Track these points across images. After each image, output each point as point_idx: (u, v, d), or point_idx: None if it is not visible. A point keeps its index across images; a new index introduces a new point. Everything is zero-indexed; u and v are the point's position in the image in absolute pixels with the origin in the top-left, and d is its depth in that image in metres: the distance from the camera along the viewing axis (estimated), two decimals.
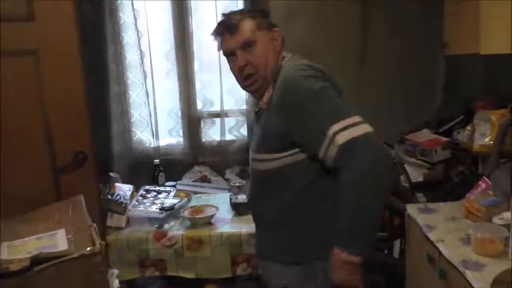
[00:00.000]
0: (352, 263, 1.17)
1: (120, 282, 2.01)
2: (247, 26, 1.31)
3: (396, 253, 2.36)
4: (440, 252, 1.57)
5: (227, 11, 1.43)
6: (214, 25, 2.54)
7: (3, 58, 1.57)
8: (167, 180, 2.65)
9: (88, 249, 1.29)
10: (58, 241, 1.37)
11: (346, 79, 2.68)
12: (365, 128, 1.16)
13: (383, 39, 2.75)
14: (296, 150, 1.24)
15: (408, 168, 2.35)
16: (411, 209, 1.95)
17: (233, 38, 1.32)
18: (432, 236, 1.67)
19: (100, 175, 2.37)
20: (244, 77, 1.36)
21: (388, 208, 2.37)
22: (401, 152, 2.48)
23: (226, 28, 1.34)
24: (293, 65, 1.30)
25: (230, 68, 1.39)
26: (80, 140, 1.73)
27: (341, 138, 1.13)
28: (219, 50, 1.41)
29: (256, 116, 1.42)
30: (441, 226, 1.74)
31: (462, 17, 2.09)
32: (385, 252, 2.44)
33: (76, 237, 1.39)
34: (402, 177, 2.41)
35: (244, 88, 1.43)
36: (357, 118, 1.18)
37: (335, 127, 1.15)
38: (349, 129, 1.14)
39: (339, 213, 1.17)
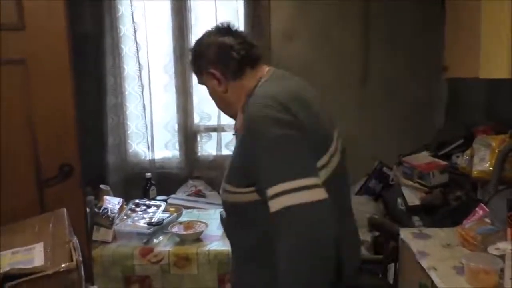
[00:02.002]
0: None
1: None
2: (193, 70, 1.33)
3: (390, 278, 2.30)
4: (432, 281, 1.51)
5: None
6: None
7: None
8: (161, 194, 2.62)
9: (63, 265, 1.25)
10: (35, 256, 1.33)
11: (346, 99, 2.72)
12: (303, 197, 0.98)
13: (384, 60, 2.74)
14: (253, 188, 1.10)
15: (405, 191, 2.31)
16: (405, 234, 1.89)
17: None
18: (424, 263, 1.61)
19: (92, 187, 2.37)
20: None
21: (383, 231, 2.32)
22: (399, 174, 2.44)
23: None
24: (259, 96, 1.13)
25: None
26: (67, 152, 1.69)
27: (273, 206, 0.99)
28: None
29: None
30: (435, 253, 1.67)
31: (461, 41, 2.06)
32: (380, 276, 2.38)
33: (54, 252, 1.35)
34: (399, 200, 2.37)
35: None
36: (302, 182, 0.99)
37: (272, 191, 0.99)
38: (284, 196, 0.98)
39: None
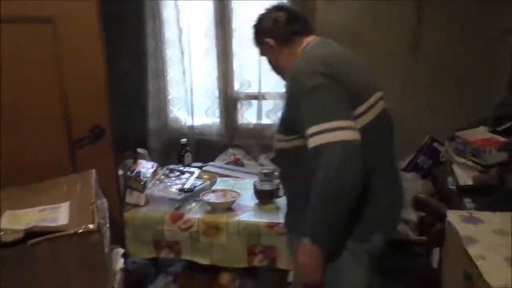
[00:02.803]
0: (310, 251, 1.25)
1: (134, 261, 2.01)
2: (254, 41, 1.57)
3: (435, 262, 2.15)
4: (479, 271, 1.36)
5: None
6: (255, 2, 2.51)
7: (19, 25, 1.55)
8: (200, 161, 2.60)
9: (83, 226, 1.24)
10: (60, 215, 1.33)
11: (396, 68, 2.51)
12: (339, 136, 1.15)
13: (438, 27, 2.47)
14: (298, 134, 1.30)
15: (456, 169, 2.10)
16: (453, 216, 1.72)
17: None
18: (472, 250, 1.45)
19: (133, 151, 2.38)
20: None
21: (430, 211, 2.16)
22: (451, 150, 2.23)
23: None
24: (302, 58, 1.35)
25: None
26: (97, 114, 1.68)
27: (311, 143, 1.18)
28: None
29: None
30: (485, 240, 1.50)
31: None
32: (424, 259, 2.23)
33: (79, 213, 1.35)
34: (450, 179, 2.17)
35: None
36: (338, 123, 1.17)
37: (311, 130, 1.19)
38: (321, 134, 1.16)
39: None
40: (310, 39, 1.43)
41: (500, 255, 1.40)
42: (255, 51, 2.56)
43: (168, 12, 2.64)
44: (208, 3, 2.63)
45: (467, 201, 2.01)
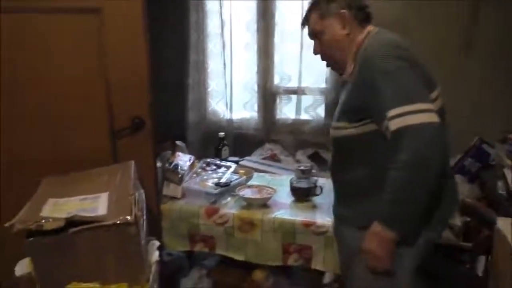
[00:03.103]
0: (382, 237, 1.22)
1: (169, 253, 2.03)
2: (312, 19, 1.42)
3: (480, 269, 2.03)
4: None
5: None
6: None
7: (66, 15, 1.57)
8: (237, 155, 2.59)
9: (120, 218, 1.25)
10: (100, 204, 1.35)
11: (444, 67, 2.37)
12: (422, 118, 1.15)
13: (493, 24, 2.33)
14: (369, 120, 1.28)
15: (508, 173, 1.98)
16: (503, 223, 1.62)
17: (308, 28, 1.47)
18: None
19: (172, 143, 2.40)
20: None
21: (477, 217, 2.04)
22: (502, 153, 2.10)
23: (303, 19, 1.49)
24: (375, 41, 1.31)
25: None
26: (139, 105, 1.69)
27: (393, 125, 1.16)
28: None
29: (342, 87, 1.47)
30: None
31: None
32: (468, 266, 2.12)
33: (117, 203, 1.36)
34: (500, 183, 2.05)
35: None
36: (420, 106, 1.16)
37: (393, 112, 1.16)
38: (404, 116, 1.15)
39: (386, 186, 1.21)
40: (370, 28, 1.38)
41: None
42: (297, 44, 2.59)
43: (211, 4, 2.63)
44: None
45: None
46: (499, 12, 2.32)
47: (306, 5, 2.44)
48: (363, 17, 1.39)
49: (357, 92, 1.29)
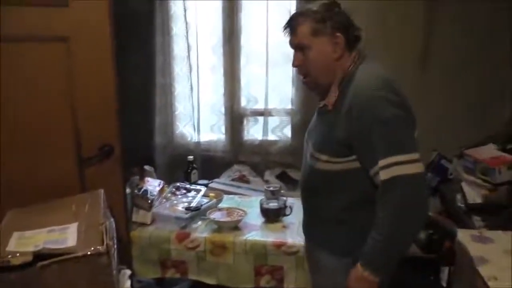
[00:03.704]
0: (369, 281, 1.24)
1: (139, 281, 1.99)
2: (303, 30, 1.32)
3: (444, 280, 2.11)
4: None
5: (304, 5, 1.43)
6: (264, 19, 2.54)
7: (34, 43, 1.55)
8: (205, 177, 2.58)
9: (92, 248, 1.23)
10: (69, 236, 1.32)
11: (405, 83, 2.45)
12: (412, 169, 1.18)
13: (449, 40, 2.47)
14: (354, 157, 1.28)
15: (465, 187, 2.09)
16: (463, 236, 1.71)
17: (292, 37, 1.37)
18: (484, 271, 1.43)
19: (139, 167, 2.37)
20: (299, 75, 1.44)
21: (438, 229, 2.13)
22: (460, 168, 2.21)
23: (287, 26, 1.38)
24: (369, 77, 1.28)
25: None
26: (108, 132, 1.68)
27: (384, 175, 1.18)
28: None
29: (319, 111, 1.44)
30: (496, 260, 1.49)
31: None
32: (432, 277, 2.20)
33: (87, 234, 1.33)
34: (458, 196, 2.16)
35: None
36: (409, 156, 1.19)
37: (384, 162, 1.18)
38: (396, 166, 1.17)
39: (371, 232, 1.23)
40: (355, 55, 1.34)
41: None
42: (263, 66, 2.65)
43: (177, 28, 2.66)
44: (217, 19, 2.65)
45: (476, 219, 1.99)
46: (455, 26, 2.44)
47: (272, 27, 2.57)
48: (354, 41, 1.35)
49: (346, 129, 1.26)
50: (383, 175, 1.18)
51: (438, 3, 2.44)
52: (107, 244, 1.27)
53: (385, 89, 1.22)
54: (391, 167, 1.17)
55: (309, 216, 1.50)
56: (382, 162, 1.18)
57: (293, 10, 2.54)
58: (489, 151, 2.12)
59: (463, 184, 2.12)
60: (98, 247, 1.25)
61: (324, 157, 1.32)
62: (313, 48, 1.31)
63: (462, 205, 2.10)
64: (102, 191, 1.58)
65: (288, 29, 1.37)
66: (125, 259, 1.76)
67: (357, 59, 1.34)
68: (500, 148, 2.13)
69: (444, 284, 2.05)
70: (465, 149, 2.21)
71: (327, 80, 1.35)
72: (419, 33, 2.50)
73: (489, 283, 1.36)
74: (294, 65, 1.39)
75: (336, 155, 1.29)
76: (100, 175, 1.69)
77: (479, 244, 1.63)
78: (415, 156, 1.19)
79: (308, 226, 1.52)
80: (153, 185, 2.01)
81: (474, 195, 2.04)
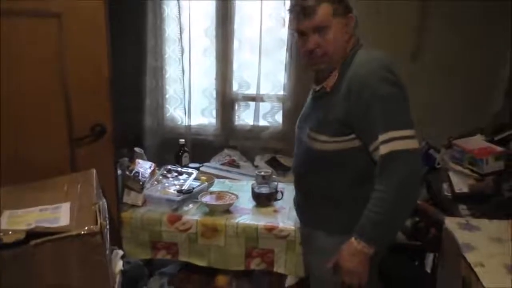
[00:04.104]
0: (364, 253, 1.27)
1: (128, 262, 1.99)
2: (323, 11, 1.33)
3: (428, 267, 2.17)
4: (478, 278, 1.38)
5: None
6: (258, 4, 2.51)
7: (25, 18, 1.51)
8: (195, 161, 2.58)
9: (86, 228, 1.22)
10: (61, 215, 1.31)
11: None
12: (409, 144, 1.24)
13: (441, 35, 2.49)
14: (353, 135, 1.32)
15: (452, 176, 2.12)
16: (450, 223, 1.74)
17: (307, 21, 1.34)
18: (470, 257, 1.47)
19: (129, 149, 2.35)
20: (310, 57, 1.40)
21: (425, 217, 2.17)
22: (447, 158, 2.25)
23: (302, 9, 1.35)
24: (369, 58, 1.33)
25: (299, 45, 1.45)
26: (99, 112, 1.65)
27: (384, 149, 1.23)
28: (290, 27, 1.49)
29: (315, 95, 1.46)
30: (483, 248, 1.53)
31: None
32: (416, 263, 2.25)
33: (80, 213, 1.32)
34: (445, 185, 2.19)
35: (307, 66, 1.49)
36: (407, 132, 1.25)
37: (384, 136, 1.23)
38: (394, 142, 1.23)
39: (368, 205, 1.28)
40: (354, 39, 1.39)
41: (498, 262, 1.42)
42: (256, 52, 2.63)
43: (170, 9, 2.61)
44: (211, 2, 2.62)
45: (462, 208, 2.03)
46: (447, 22, 2.46)
47: (266, 12, 2.54)
48: (356, 25, 1.39)
49: (345, 107, 1.30)
50: (383, 150, 1.23)
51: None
52: (100, 223, 1.26)
53: (383, 69, 1.28)
54: (391, 142, 1.22)
55: (306, 199, 1.52)
56: (382, 137, 1.23)
57: None
58: (477, 142, 2.15)
59: (450, 174, 2.15)
60: (91, 226, 1.24)
61: (323, 137, 1.35)
62: (332, 29, 1.33)
63: (449, 194, 2.13)
64: (94, 171, 1.57)
65: (302, 13, 1.34)
66: (115, 240, 1.75)
67: (356, 44, 1.39)
68: (488, 139, 2.17)
69: (429, 270, 2.10)
70: (454, 139, 2.24)
71: (339, 61, 1.37)
72: (411, 28, 2.52)
73: (476, 269, 1.39)
74: (310, 47, 1.36)
75: (336, 134, 1.33)
76: (92, 155, 1.67)
77: (466, 231, 1.66)
78: (412, 132, 1.25)
79: (304, 209, 1.54)
80: (144, 167, 2.00)
81: (461, 184, 2.08)
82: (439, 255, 1.89)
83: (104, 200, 1.55)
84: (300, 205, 1.56)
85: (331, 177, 1.39)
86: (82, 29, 1.58)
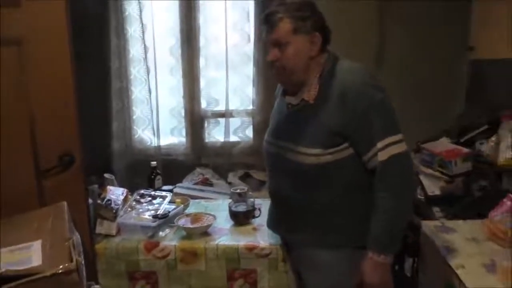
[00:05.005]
0: (385, 264, 1.31)
1: None
2: (283, 27, 1.34)
3: (408, 271, 2.19)
4: (461, 280, 1.40)
5: (282, 1, 1.41)
6: (223, 19, 2.50)
7: None
8: (167, 182, 2.51)
9: (61, 267, 1.16)
10: (33, 254, 1.23)
11: None
12: (403, 147, 1.30)
13: (401, 40, 2.57)
14: (346, 145, 1.34)
15: (424, 179, 2.18)
16: (428, 227, 1.78)
17: (270, 34, 1.38)
18: (451, 260, 1.50)
19: (97, 175, 2.26)
20: (272, 68, 1.44)
21: None
22: (417, 162, 2.30)
23: (266, 21, 1.38)
24: (353, 67, 1.38)
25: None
26: (67, 141, 1.58)
27: (383, 156, 1.28)
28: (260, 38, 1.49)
29: (293, 108, 1.44)
30: (461, 249, 1.56)
31: (492, 21, 1.91)
32: (396, 268, 2.27)
33: (53, 251, 1.25)
34: (418, 189, 2.24)
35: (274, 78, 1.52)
36: (400, 136, 1.31)
37: (382, 143, 1.28)
38: (392, 146, 1.28)
39: (374, 217, 1.31)
40: (327, 53, 1.41)
41: (477, 262, 1.46)
42: (222, 68, 2.61)
43: (133, 29, 2.57)
44: (175, 20, 2.59)
45: (436, 210, 2.08)
46: (407, 24, 2.54)
47: (231, 28, 2.54)
48: (327, 41, 1.41)
49: (339, 117, 1.30)
50: (382, 156, 1.27)
51: (388, 4, 2.52)
52: (76, 260, 1.20)
53: (370, 78, 1.34)
54: (388, 148, 1.28)
55: (296, 219, 1.47)
56: (380, 144, 1.28)
57: (251, 10, 2.53)
58: (443, 145, 2.22)
59: (422, 177, 2.20)
60: (66, 264, 1.17)
61: (316, 151, 1.35)
62: (292, 46, 1.35)
63: (422, 197, 2.18)
64: (65, 203, 1.49)
65: (266, 25, 1.38)
66: (91, 274, 1.67)
67: (332, 57, 1.41)
68: (454, 141, 2.24)
69: (408, 274, 2.12)
70: (422, 143, 2.30)
71: (300, 77, 1.39)
72: (372, 33, 2.58)
73: (458, 272, 1.42)
74: (269, 59, 1.40)
75: (329, 145, 1.34)
76: (61, 187, 1.59)
77: (443, 234, 1.70)
78: (402, 135, 1.31)
79: (292, 228, 1.50)
80: (116, 193, 1.92)
81: (432, 187, 2.13)
82: (418, 260, 1.92)
83: (77, 233, 1.47)
84: (289, 227, 1.52)
85: (327, 188, 1.38)
86: (45, 55, 1.50)
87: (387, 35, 2.57)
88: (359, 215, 1.36)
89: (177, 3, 2.57)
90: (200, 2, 2.57)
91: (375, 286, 1.33)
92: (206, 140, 2.78)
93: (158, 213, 1.87)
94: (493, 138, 2.00)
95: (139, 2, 2.53)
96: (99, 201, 1.82)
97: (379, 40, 2.58)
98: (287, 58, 1.36)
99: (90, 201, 1.84)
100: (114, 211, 1.81)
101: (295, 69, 1.38)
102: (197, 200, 2.25)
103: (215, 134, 2.78)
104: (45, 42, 1.51)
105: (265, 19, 1.38)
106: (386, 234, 1.30)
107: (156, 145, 2.73)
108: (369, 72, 1.37)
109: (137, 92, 2.67)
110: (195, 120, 2.73)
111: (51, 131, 1.56)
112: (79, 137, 1.61)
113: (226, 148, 2.75)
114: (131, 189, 2.20)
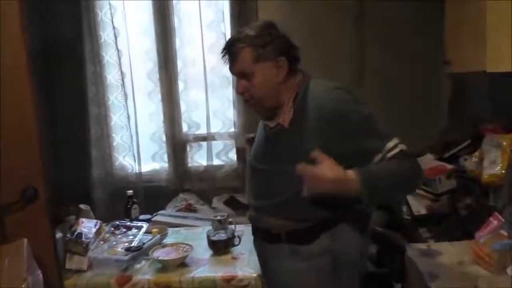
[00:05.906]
0: (354, 179, 1.20)
1: None
2: (245, 57, 1.31)
3: None
4: None
5: (240, 30, 1.39)
6: (199, 42, 2.48)
7: None
8: (148, 210, 2.44)
9: None
10: None
11: None
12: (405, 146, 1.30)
13: (381, 59, 2.54)
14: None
15: (410, 199, 2.11)
16: (412, 251, 1.70)
17: (233, 65, 1.35)
18: (434, 286, 1.42)
19: (76, 205, 2.20)
20: (244, 100, 1.42)
21: (388, 245, 2.13)
22: None
23: (228, 53, 1.35)
24: (327, 86, 1.34)
25: None
26: (30, 173, 1.51)
27: (394, 151, 1.25)
28: None
29: (269, 132, 1.41)
30: (446, 274, 1.49)
31: (464, 34, 1.89)
32: None
33: None
34: (404, 209, 2.17)
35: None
36: (397, 139, 1.29)
37: (391, 144, 1.26)
38: (398, 147, 1.27)
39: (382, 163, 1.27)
40: (298, 74, 1.37)
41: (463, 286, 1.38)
42: (202, 91, 2.57)
43: (108, 55, 2.54)
44: (151, 44, 2.56)
45: (423, 230, 2.01)
46: (386, 40, 2.53)
47: (208, 50, 2.51)
48: (296, 62, 1.36)
49: (325, 139, 1.25)
50: (391, 153, 1.25)
51: (365, 25, 2.51)
52: None
53: (347, 93, 1.31)
54: (398, 146, 1.26)
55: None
56: (388, 145, 1.26)
57: (228, 32, 2.50)
58: (427, 161, 2.16)
59: (408, 196, 2.14)
60: None
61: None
62: (256, 74, 1.31)
63: (409, 217, 2.12)
64: (25, 241, 1.42)
65: (227, 56, 1.35)
66: None
67: (304, 77, 1.37)
68: (438, 157, 2.19)
69: None
70: None
71: (273, 103, 1.35)
72: (352, 50, 2.55)
73: None
74: (238, 92, 1.38)
75: None
76: (24, 222, 1.51)
77: (428, 258, 1.62)
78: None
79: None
80: (88, 226, 1.85)
81: (418, 206, 2.07)
82: (405, 285, 1.84)
83: (39, 272, 1.40)
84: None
85: (313, 204, 1.30)
86: (5, 91, 1.45)
87: (367, 54, 2.54)
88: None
89: (152, 27, 2.55)
90: (176, 25, 2.54)
91: (325, 177, 1.18)
92: (189, 165, 2.72)
93: (132, 245, 1.79)
94: (476, 153, 1.94)
95: (114, 29, 2.51)
96: (68, 235, 1.75)
97: (360, 61, 2.55)
98: (255, 87, 1.33)
99: (60, 235, 1.77)
100: (84, 245, 1.73)
101: (265, 98, 1.35)
102: (177, 229, 2.18)
103: (197, 158, 2.72)
104: (5, 78, 1.46)
105: (227, 51, 1.35)
106: (376, 174, 1.23)
107: (137, 171, 2.67)
108: (345, 89, 1.33)
109: (116, 118, 2.63)
110: (177, 144, 2.68)
111: (12, 163, 1.49)
112: (42, 169, 1.54)
113: (209, 172, 2.69)
114: (113, 219, 2.13)
